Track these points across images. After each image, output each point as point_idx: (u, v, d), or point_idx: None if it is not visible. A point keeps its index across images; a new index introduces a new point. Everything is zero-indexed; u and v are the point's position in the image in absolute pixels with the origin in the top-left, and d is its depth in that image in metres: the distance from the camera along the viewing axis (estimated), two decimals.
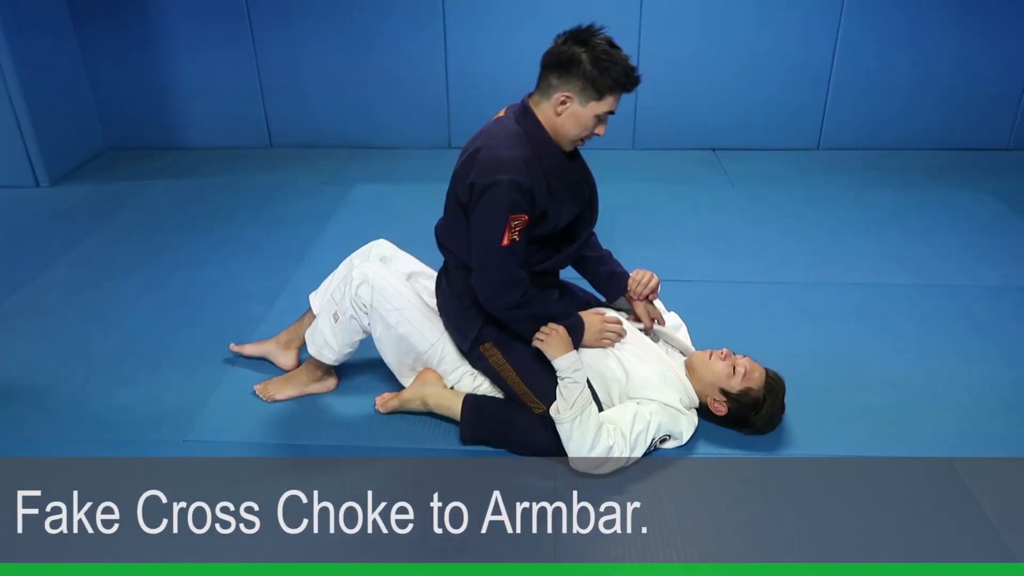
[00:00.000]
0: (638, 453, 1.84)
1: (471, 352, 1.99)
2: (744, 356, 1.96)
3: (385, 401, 2.09)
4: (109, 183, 3.85)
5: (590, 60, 1.73)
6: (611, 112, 1.80)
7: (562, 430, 1.80)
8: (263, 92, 4.18)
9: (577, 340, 1.91)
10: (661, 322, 2.10)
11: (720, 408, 1.94)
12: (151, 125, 4.26)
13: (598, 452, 1.78)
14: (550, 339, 1.86)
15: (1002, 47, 3.91)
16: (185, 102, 4.21)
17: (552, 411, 1.82)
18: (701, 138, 4.20)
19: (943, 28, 3.89)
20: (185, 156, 4.21)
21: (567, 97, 1.77)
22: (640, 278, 2.05)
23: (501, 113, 1.90)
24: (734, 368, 1.92)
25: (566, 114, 1.79)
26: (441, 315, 2.02)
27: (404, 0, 3.93)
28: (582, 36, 1.76)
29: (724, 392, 1.92)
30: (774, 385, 1.95)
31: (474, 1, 3.93)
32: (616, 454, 1.80)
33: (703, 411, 2.00)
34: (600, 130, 1.82)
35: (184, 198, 3.67)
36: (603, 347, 1.95)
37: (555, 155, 1.83)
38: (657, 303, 2.15)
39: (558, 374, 1.84)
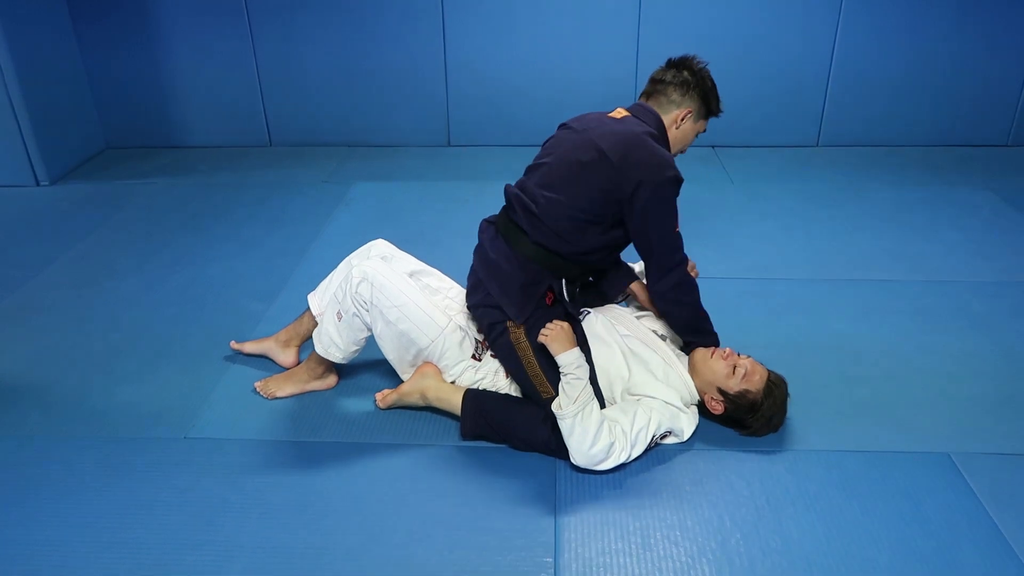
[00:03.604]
0: (638, 450, 1.85)
1: (497, 328, 1.96)
2: (747, 356, 1.96)
3: (384, 396, 2.10)
4: (108, 182, 3.86)
5: (709, 85, 2.01)
6: (704, 131, 2.10)
7: (563, 426, 1.81)
8: (262, 90, 4.18)
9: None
10: None
11: (716, 407, 1.94)
12: (150, 124, 4.27)
13: (599, 448, 1.78)
14: (554, 334, 1.87)
15: (1001, 44, 3.92)
16: (184, 101, 4.21)
17: (554, 407, 1.82)
18: (701, 135, 4.19)
19: (942, 25, 3.89)
20: (184, 155, 4.22)
21: (688, 113, 2.00)
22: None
23: (618, 114, 2.00)
24: (734, 368, 1.92)
25: (683, 128, 2.02)
26: (492, 280, 1.97)
27: None
28: (694, 66, 2.01)
29: (722, 392, 1.92)
30: (773, 389, 1.93)
31: None
32: (617, 451, 1.81)
33: (702, 409, 2.00)
34: (691, 141, 2.09)
35: (184, 196, 3.67)
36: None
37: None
38: None
39: (561, 370, 1.85)
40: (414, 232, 3.14)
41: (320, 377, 2.18)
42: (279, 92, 4.18)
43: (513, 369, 1.98)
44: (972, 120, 4.11)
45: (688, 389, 1.97)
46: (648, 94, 2.03)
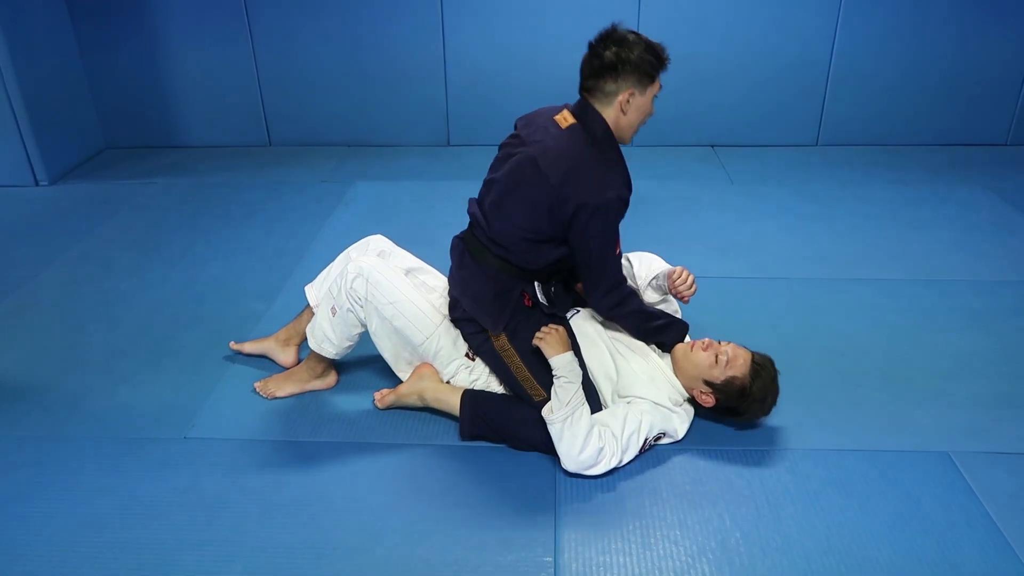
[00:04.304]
0: (630, 455, 1.85)
1: (479, 338, 1.99)
2: (728, 343, 1.96)
3: (383, 396, 2.09)
4: (108, 182, 3.86)
5: (636, 51, 1.82)
6: (660, 90, 1.92)
7: (553, 431, 1.81)
8: (262, 90, 4.18)
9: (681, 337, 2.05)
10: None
11: (707, 400, 1.94)
12: (150, 124, 4.26)
13: (588, 454, 1.78)
14: (550, 337, 1.88)
15: (1001, 43, 3.92)
16: (184, 100, 4.21)
17: (544, 412, 1.82)
18: (700, 135, 4.20)
19: (941, 24, 3.89)
20: (184, 154, 4.22)
21: (630, 94, 1.85)
22: (682, 277, 2.08)
23: (564, 120, 1.91)
24: (716, 357, 1.91)
25: (632, 108, 1.87)
26: (464, 296, 1.99)
27: None
28: (613, 37, 1.85)
29: (708, 383, 1.92)
30: (759, 370, 1.93)
31: None
32: (607, 456, 1.80)
33: (696, 405, 2.00)
34: (652, 110, 1.93)
35: (183, 196, 3.67)
36: None
37: (622, 154, 1.94)
38: (660, 262, 2.24)
39: (554, 372, 1.85)
40: (413, 231, 3.13)
41: (320, 376, 2.18)
42: (278, 92, 4.18)
43: (503, 376, 2.00)
44: (972, 119, 4.11)
45: (676, 388, 1.96)
46: (586, 91, 1.88)
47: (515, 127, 2.02)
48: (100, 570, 1.62)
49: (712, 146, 4.21)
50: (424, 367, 2.06)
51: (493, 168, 2.01)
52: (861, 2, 3.84)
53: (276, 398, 2.16)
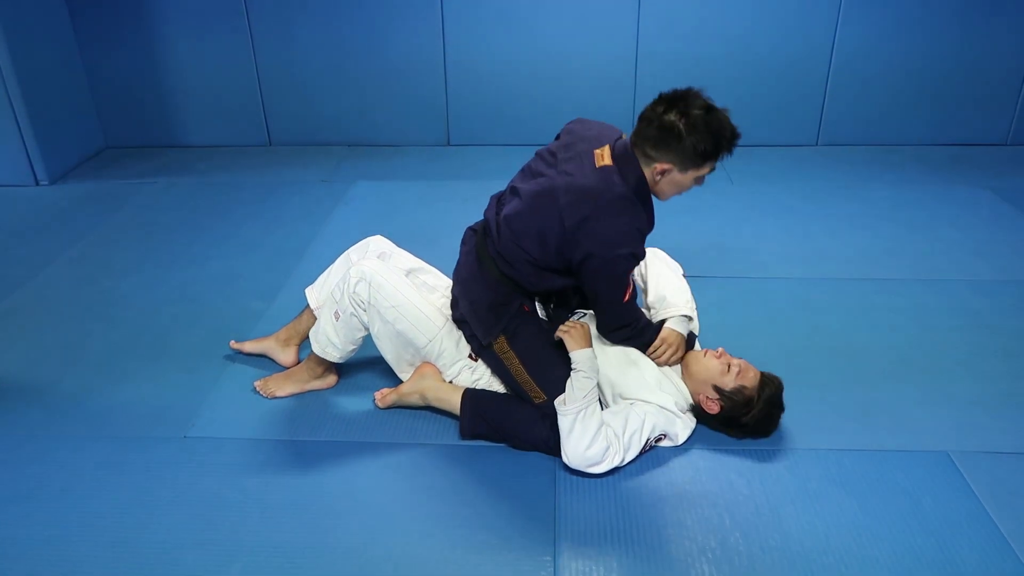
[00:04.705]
0: (632, 454, 1.85)
1: (477, 340, 1.99)
2: (740, 358, 1.96)
3: (384, 396, 2.10)
4: (108, 181, 3.86)
5: (689, 132, 1.69)
6: (712, 171, 1.81)
7: (564, 422, 1.81)
8: (262, 90, 4.18)
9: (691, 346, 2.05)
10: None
11: (712, 406, 1.93)
12: (150, 123, 4.26)
13: (595, 451, 1.78)
14: (574, 331, 1.89)
15: (1001, 43, 3.92)
16: (184, 100, 4.21)
17: (558, 402, 1.82)
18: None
19: (941, 24, 3.89)
20: (184, 154, 4.22)
21: (665, 169, 1.77)
22: (661, 354, 2.01)
23: (600, 158, 1.80)
24: (728, 366, 1.92)
25: (664, 181, 1.80)
26: (463, 298, 1.98)
27: None
28: (679, 103, 1.71)
29: (717, 389, 1.92)
30: (767, 384, 1.93)
31: None
32: (611, 455, 1.81)
33: (696, 412, 1.99)
34: (699, 183, 1.84)
35: (183, 196, 3.67)
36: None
37: (651, 207, 1.87)
38: (672, 263, 2.25)
39: (574, 366, 1.85)
40: (413, 231, 3.13)
41: (320, 376, 2.18)
42: (278, 91, 4.18)
43: (503, 377, 2.00)
44: (971, 119, 4.11)
45: (682, 394, 1.97)
46: (634, 135, 1.80)
47: (561, 134, 1.95)
48: (100, 569, 1.62)
49: None
50: (425, 366, 2.06)
51: (523, 175, 1.95)
52: (861, 2, 3.84)
53: (276, 397, 2.16)
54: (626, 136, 1.87)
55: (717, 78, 4.04)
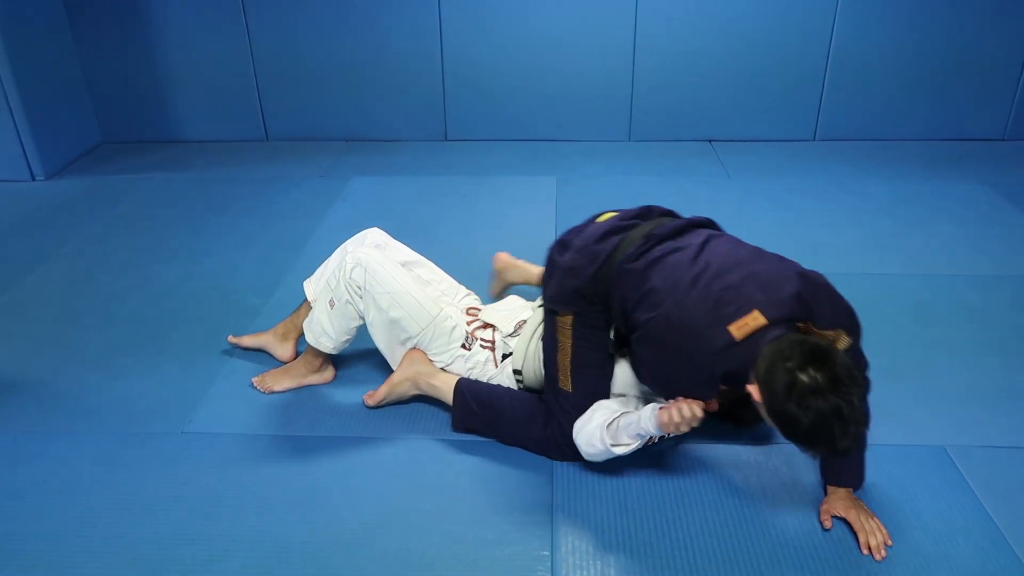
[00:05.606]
0: (628, 433, 1.76)
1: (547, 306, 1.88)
2: None
3: (372, 394, 2.08)
4: (105, 176, 3.85)
5: (806, 428, 1.39)
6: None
7: (596, 435, 1.74)
8: (259, 85, 4.16)
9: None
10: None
11: (712, 404, 1.93)
12: (146, 118, 4.25)
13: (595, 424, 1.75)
14: (674, 411, 1.64)
15: (999, 38, 3.91)
16: (180, 95, 4.20)
17: (608, 425, 1.74)
18: (697, 130, 4.20)
19: (939, 19, 3.88)
20: (181, 149, 4.20)
21: (759, 403, 1.48)
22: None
23: (737, 329, 1.53)
24: None
25: (754, 403, 1.50)
26: (569, 250, 1.84)
27: None
28: (821, 384, 1.37)
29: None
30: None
31: None
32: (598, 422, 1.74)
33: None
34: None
35: (180, 191, 3.66)
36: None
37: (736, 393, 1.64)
38: None
39: (642, 427, 1.71)
40: (411, 226, 3.13)
41: (317, 371, 2.18)
42: (275, 87, 4.17)
43: (546, 349, 1.88)
44: (969, 114, 4.11)
45: None
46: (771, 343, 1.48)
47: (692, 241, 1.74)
48: (98, 565, 1.62)
49: (710, 141, 4.20)
50: (415, 352, 2.05)
51: (727, 246, 1.75)
52: None
53: (273, 392, 2.16)
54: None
55: (715, 73, 4.05)
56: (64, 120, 3.98)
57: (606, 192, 3.48)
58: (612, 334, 1.88)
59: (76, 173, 3.91)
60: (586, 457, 1.80)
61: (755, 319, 1.52)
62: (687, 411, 1.61)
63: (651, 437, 1.85)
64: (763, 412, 1.49)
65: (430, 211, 3.38)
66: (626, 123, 4.15)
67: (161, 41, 4.05)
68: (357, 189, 3.63)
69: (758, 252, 1.75)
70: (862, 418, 1.45)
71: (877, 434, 1.97)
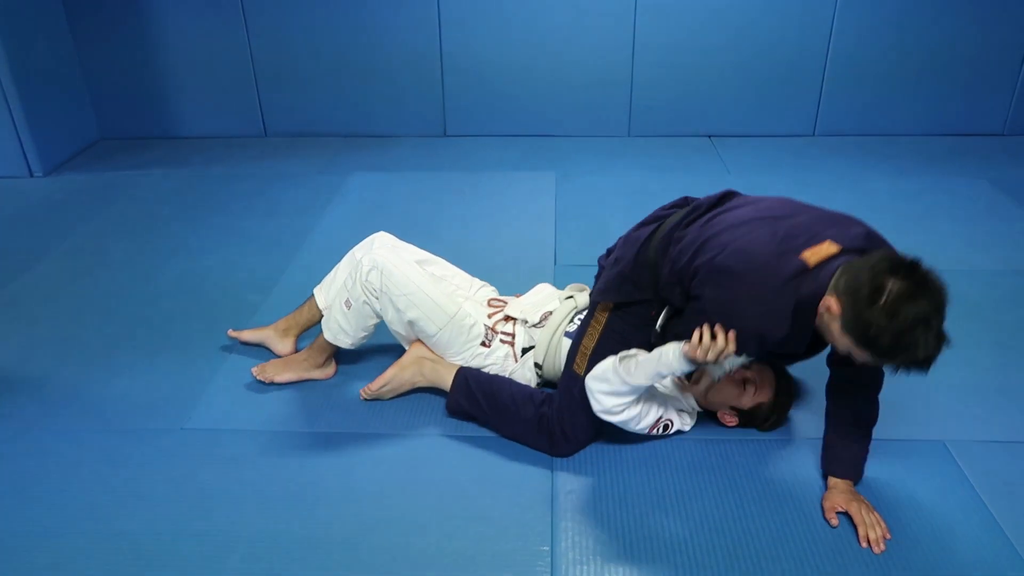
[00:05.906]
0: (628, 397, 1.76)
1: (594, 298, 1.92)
2: (751, 368, 1.88)
3: (368, 386, 2.08)
4: (103, 173, 3.84)
5: (891, 334, 1.38)
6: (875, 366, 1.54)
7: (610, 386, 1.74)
8: (257, 81, 4.16)
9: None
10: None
11: (731, 421, 1.94)
12: (145, 115, 4.24)
13: (617, 411, 1.75)
14: (704, 347, 1.59)
15: (997, 34, 3.91)
16: (179, 91, 4.19)
17: (618, 367, 1.73)
18: (697, 125, 4.19)
19: (938, 14, 3.88)
20: (179, 146, 4.20)
21: (833, 316, 1.46)
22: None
23: (812, 255, 1.53)
24: (744, 383, 1.88)
25: (823, 322, 1.49)
26: (618, 249, 1.93)
27: None
28: (911, 289, 1.39)
29: (735, 408, 1.92)
30: (781, 392, 1.91)
31: None
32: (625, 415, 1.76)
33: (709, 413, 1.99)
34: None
35: (179, 187, 3.66)
36: None
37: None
38: None
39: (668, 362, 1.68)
40: (411, 223, 3.13)
41: (320, 366, 2.18)
42: (274, 83, 4.16)
43: (578, 331, 1.93)
44: (968, 109, 4.11)
45: (682, 399, 1.94)
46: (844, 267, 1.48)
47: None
48: (97, 561, 1.62)
49: (709, 136, 4.20)
50: (416, 344, 2.07)
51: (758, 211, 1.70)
52: None
53: (274, 383, 2.16)
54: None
55: (715, 69, 4.04)
56: (62, 116, 3.97)
57: (606, 188, 3.48)
58: (661, 319, 1.81)
59: (74, 169, 3.90)
60: (594, 406, 1.76)
61: (828, 247, 1.51)
62: (720, 338, 1.54)
63: (667, 422, 1.83)
64: (834, 332, 1.46)
65: (429, 207, 3.37)
66: (626, 119, 4.14)
67: (159, 37, 4.04)
68: (356, 185, 3.63)
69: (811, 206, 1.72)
70: (944, 333, 1.42)
71: (876, 429, 1.97)
